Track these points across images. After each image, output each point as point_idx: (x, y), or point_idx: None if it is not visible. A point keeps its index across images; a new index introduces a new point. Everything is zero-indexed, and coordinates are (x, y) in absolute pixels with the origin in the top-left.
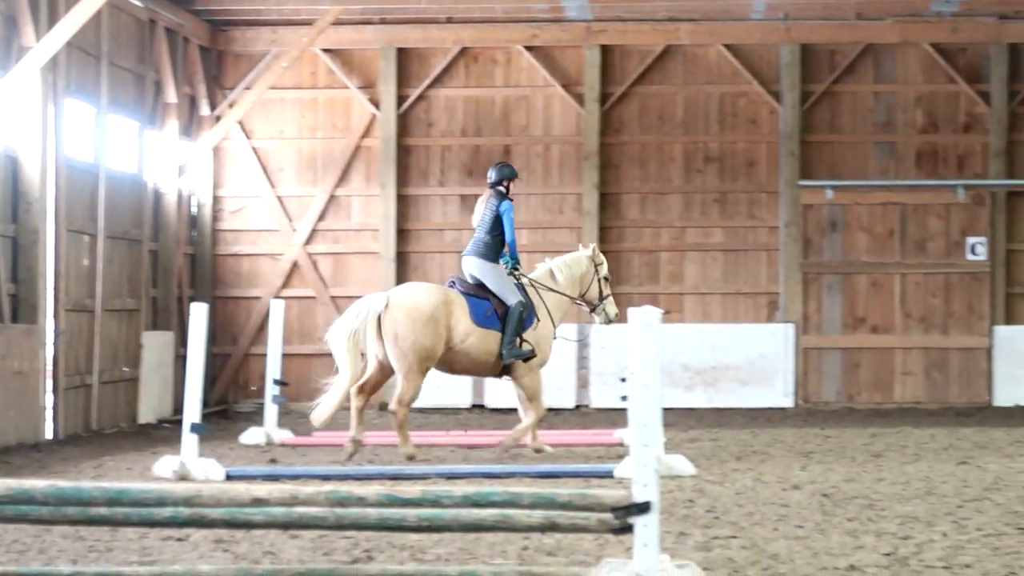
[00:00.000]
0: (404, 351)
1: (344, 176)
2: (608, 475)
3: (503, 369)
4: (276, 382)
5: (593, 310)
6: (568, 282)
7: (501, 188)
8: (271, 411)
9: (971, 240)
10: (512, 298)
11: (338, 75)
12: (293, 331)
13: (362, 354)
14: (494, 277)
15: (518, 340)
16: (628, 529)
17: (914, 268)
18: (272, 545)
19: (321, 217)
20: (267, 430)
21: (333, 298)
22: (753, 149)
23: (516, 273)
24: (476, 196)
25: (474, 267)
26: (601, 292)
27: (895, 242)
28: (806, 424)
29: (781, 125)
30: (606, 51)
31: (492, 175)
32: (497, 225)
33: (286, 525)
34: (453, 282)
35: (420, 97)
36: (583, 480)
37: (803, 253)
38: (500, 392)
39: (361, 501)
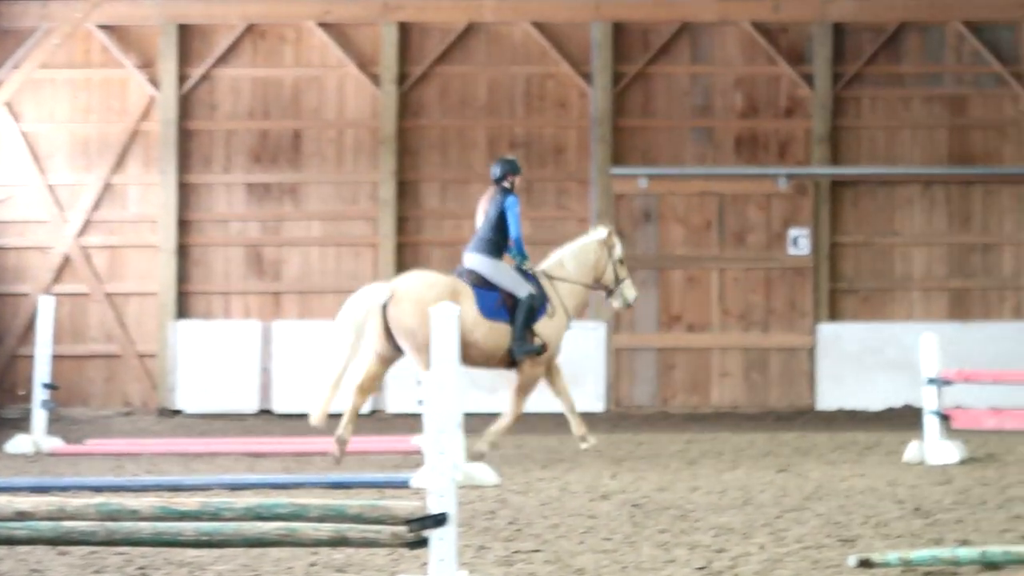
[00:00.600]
0: (420, 345)
1: (120, 162)
2: (403, 485)
3: (512, 362)
4: (45, 386)
5: (610, 294)
6: (580, 270)
7: (505, 184)
8: (40, 417)
9: (793, 232)
10: (522, 290)
11: (114, 53)
12: (64, 330)
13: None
14: (502, 272)
15: (528, 335)
16: (423, 543)
17: (733, 262)
18: (39, 563)
19: (95, 207)
20: (35, 438)
21: (108, 295)
22: (562, 134)
23: (525, 267)
24: (263, 184)
25: (478, 264)
26: (617, 275)
27: (712, 234)
28: (618, 429)
29: (592, 109)
30: (404, 28)
31: (496, 171)
32: (502, 221)
33: (53, 541)
34: (460, 273)
35: (203, 77)
36: (376, 491)
37: None
38: (289, 397)
39: (134, 514)
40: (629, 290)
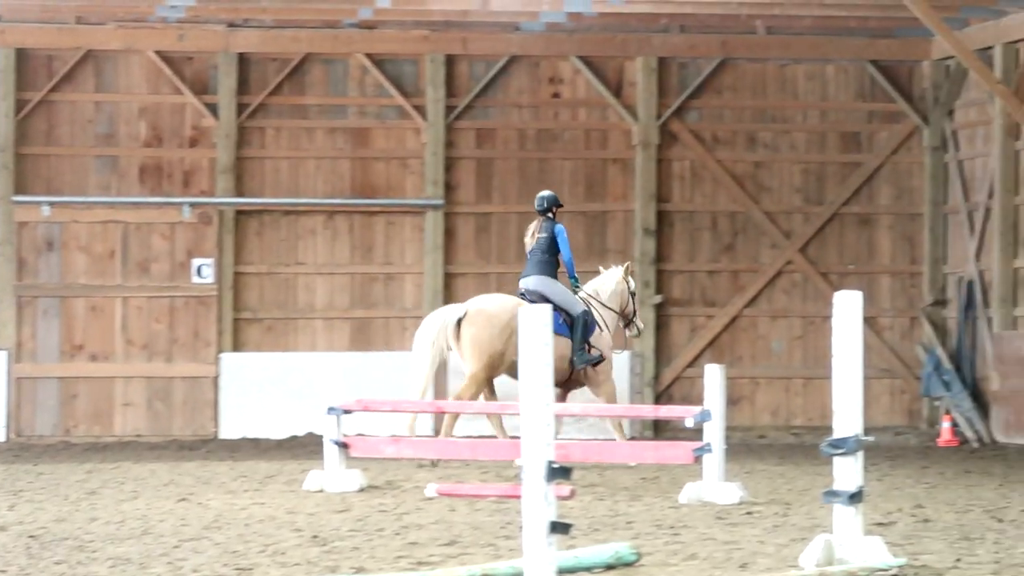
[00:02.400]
0: (477, 352)
1: None
2: None
3: (569, 378)
4: None
5: (627, 324)
6: (612, 299)
7: (550, 214)
8: None
9: (197, 261)
10: (578, 308)
11: None
12: None
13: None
14: (559, 290)
15: (587, 347)
16: None
17: (137, 291)
18: None
19: None
20: None
21: None
22: None
23: (575, 289)
24: None
25: (537, 284)
26: (634, 308)
27: (116, 263)
28: (18, 460)
29: None
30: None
31: (542, 203)
32: (553, 245)
33: None
34: (523, 294)
35: None
36: None
37: (17, 274)
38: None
39: None
40: (639, 322)
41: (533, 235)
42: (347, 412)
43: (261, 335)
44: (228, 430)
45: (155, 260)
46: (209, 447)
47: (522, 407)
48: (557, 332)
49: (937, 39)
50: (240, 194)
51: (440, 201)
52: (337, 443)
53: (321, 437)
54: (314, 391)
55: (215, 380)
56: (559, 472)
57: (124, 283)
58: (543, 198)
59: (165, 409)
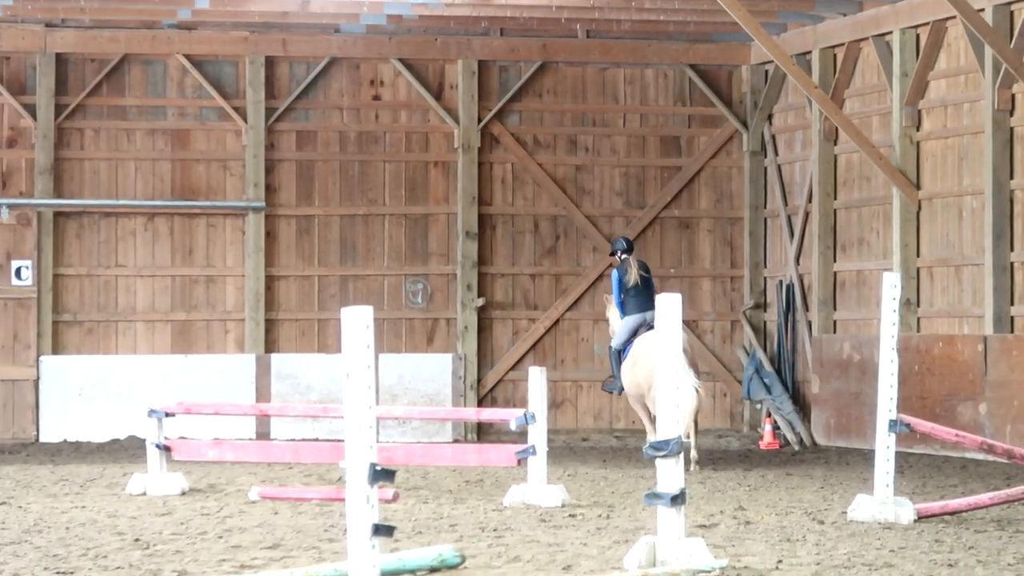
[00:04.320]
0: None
1: None
2: None
3: None
4: None
5: None
6: None
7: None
8: None
9: (16, 263)
10: None
11: None
12: None
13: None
14: None
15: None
16: None
17: None
18: None
19: None
20: None
21: None
22: None
23: None
24: None
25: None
26: None
27: None
28: None
29: None
30: None
31: (626, 245)
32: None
33: None
34: (651, 326)
35: None
36: None
37: None
38: None
39: None
40: None
41: (636, 273)
42: (169, 415)
43: (81, 338)
44: (49, 433)
45: None
46: (29, 451)
47: (345, 410)
48: None
49: (755, 44)
50: (59, 195)
51: (261, 203)
52: (159, 446)
53: (143, 440)
54: (135, 394)
55: (35, 383)
56: (382, 475)
57: None
58: (627, 240)
59: None
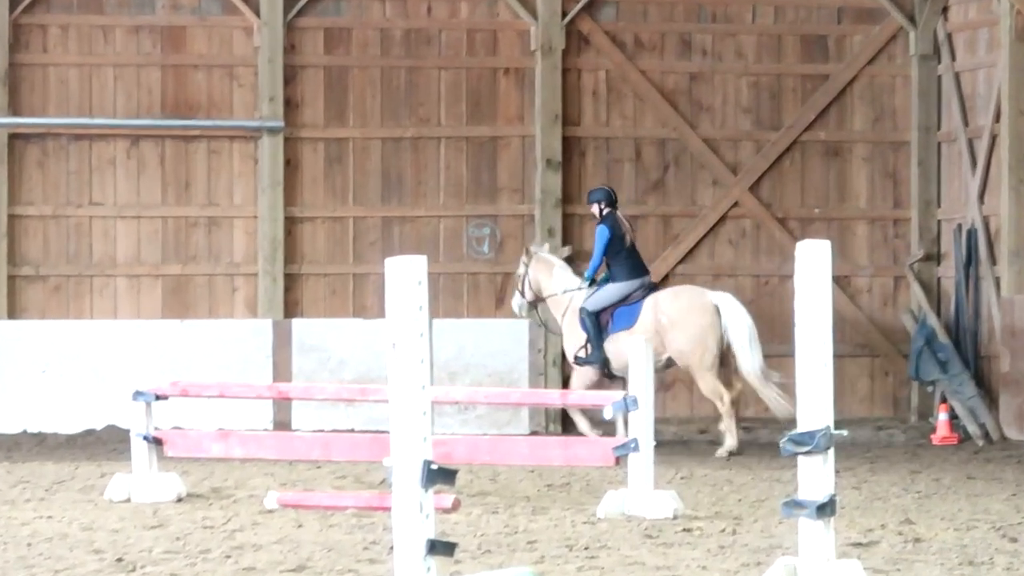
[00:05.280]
0: None
1: None
2: None
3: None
4: None
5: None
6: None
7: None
8: None
9: None
10: None
11: None
12: None
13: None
14: None
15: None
16: None
17: None
18: None
19: None
20: None
21: None
22: None
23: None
24: None
25: None
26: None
27: None
28: None
29: None
30: None
31: (610, 196)
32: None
33: None
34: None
35: None
36: None
37: None
38: None
39: None
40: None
41: (630, 231)
42: (160, 398)
43: (45, 297)
44: (3, 422)
45: None
46: None
47: (390, 392)
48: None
49: None
50: (15, 112)
51: (279, 123)
52: (147, 439)
53: (126, 431)
54: (116, 371)
55: None
56: (439, 476)
57: None
58: (612, 191)
59: None
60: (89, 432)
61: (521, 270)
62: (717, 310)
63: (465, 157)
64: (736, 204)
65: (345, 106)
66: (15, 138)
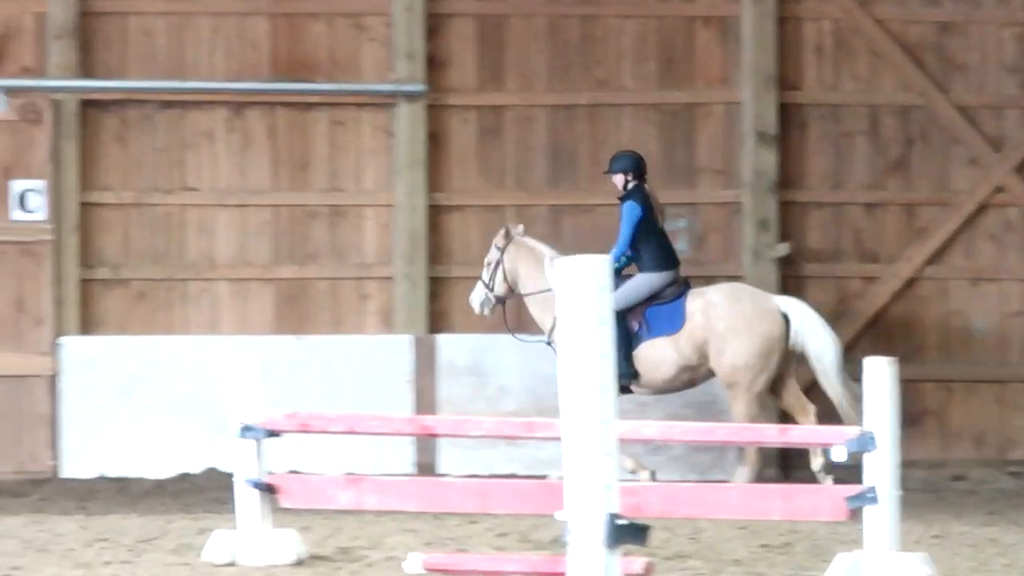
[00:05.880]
0: None
1: None
2: None
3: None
4: None
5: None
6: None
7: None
8: None
9: (19, 186)
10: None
11: None
12: None
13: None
14: None
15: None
16: None
17: None
18: None
19: None
20: None
21: None
22: None
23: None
24: None
25: None
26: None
27: None
28: None
29: None
30: None
31: (637, 164)
32: None
33: None
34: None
35: None
36: None
37: None
38: None
39: None
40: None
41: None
42: (273, 434)
43: (127, 307)
44: (75, 464)
45: None
46: (44, 492)
47: (565, 427)
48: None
49: None
50: (88, 74)
51: (420, 87)
52: (258, 485)
53: (230, 476)
54: (216, 400)
55: (51, 381)
56: (628, 533)
57: None
58: (640, 158)
59: None
60: (183, 477)
61: (494, 255)
62: (786, 319)
63: (655, 129)
64: (999, 189)
65: (503, 65)
66: (88, 106)
